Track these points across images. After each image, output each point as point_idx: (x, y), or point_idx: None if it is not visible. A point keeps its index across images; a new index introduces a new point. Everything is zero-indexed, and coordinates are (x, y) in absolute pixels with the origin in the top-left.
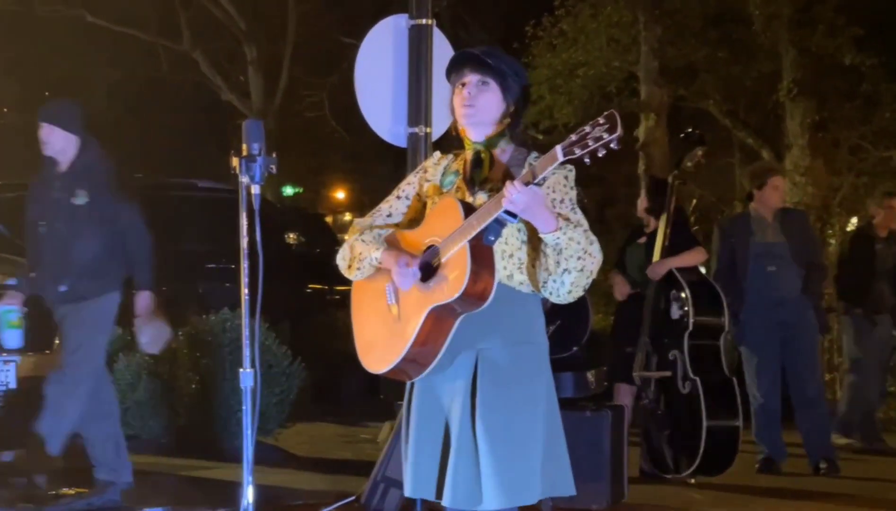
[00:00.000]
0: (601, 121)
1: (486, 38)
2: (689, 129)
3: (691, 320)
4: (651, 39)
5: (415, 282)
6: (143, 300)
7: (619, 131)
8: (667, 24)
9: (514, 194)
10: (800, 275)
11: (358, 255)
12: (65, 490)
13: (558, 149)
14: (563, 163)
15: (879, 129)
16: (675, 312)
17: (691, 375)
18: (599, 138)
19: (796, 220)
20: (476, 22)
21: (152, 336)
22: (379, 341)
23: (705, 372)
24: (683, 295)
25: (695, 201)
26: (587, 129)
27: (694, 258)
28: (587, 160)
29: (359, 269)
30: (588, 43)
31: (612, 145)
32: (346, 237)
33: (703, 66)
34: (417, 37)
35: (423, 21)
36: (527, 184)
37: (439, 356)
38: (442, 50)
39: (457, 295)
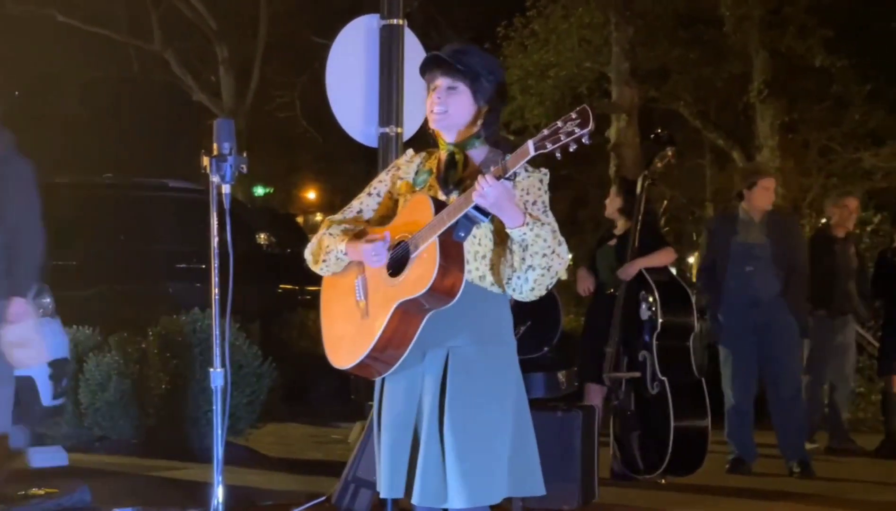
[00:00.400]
0: (573, 116)
1: (457, 39)
2: (658, 130)
3: (659, 321)
4: (622, 40)
5: (382, 267)
6: (14, 307)
7: (591, 126)
8: (638, 26)
9: (485, 187)
10: (779, 277)
11: (325, 248)
12: (34, 490)
13: (530, 143)
14: (534, 156)
15: (849, 130)
16: (644, 313)
17: (660, 376)
18: (571, 133)
19: (783, 223)
20: (448, 22)
21: (14, 343)
22: (346, 337)
23: (674, 372)
24: (652, 297)
25: (666, 202)
26: (559, 123)
27: (663, 258)
28: (558, 154)
29: (324, 261)
30: (559, 44)
31: (583, 140)
32: (318, 233)
33: (675, 67)
34: (389, 37)
35: (395, 21)
36: (498, 178)
37: (406, 353)
38: (413, 50)
39: (424, 290)
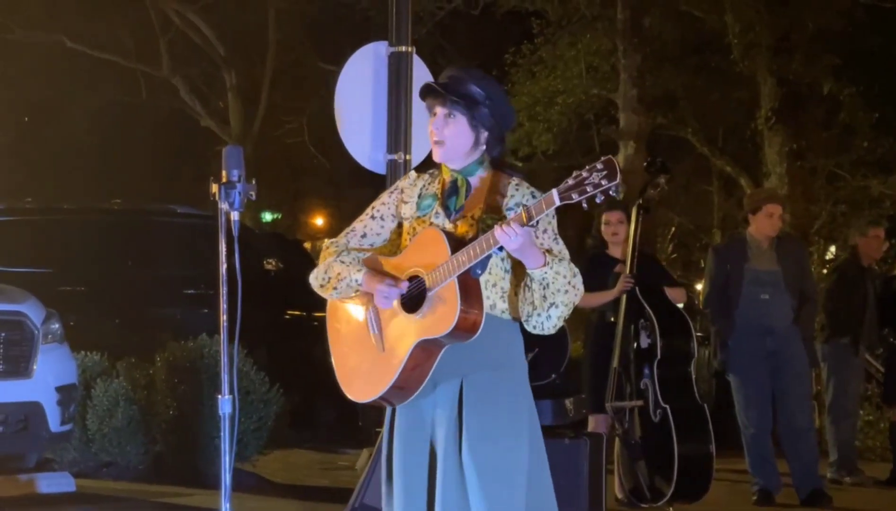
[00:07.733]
0: (599, 166)
1: (465, 66)
2: (651, 158)
3: (659, 348)
4: (630, 67)
5: (396, 302)
6: None
7: (619, 179)
8: (646, 53)
9: (512, 236)
10: (792, 304)
11: (336, 275)
12: None
13: (554, 192)
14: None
15: (856, 158)
16: (644, 341)
17: (662, 403)
18: (598, 185)
19: (793, 249)
20: (456, 49)
21: None
22: (362, 371)
23: (675, 399)
24: (651, 324)
25: (673, 229)
26: (584, 173)
27: (680, 296)
28: (585, 205)
29: (335, 288)
30: (567, 70)
31: (611, 192)
32: (321, 256)
33: (682, 94)
34: (397, 64)
35: (403, 48)
36: (521, 225)
37: (423, 385)
38: (421, 77)
39: (447, 331)
